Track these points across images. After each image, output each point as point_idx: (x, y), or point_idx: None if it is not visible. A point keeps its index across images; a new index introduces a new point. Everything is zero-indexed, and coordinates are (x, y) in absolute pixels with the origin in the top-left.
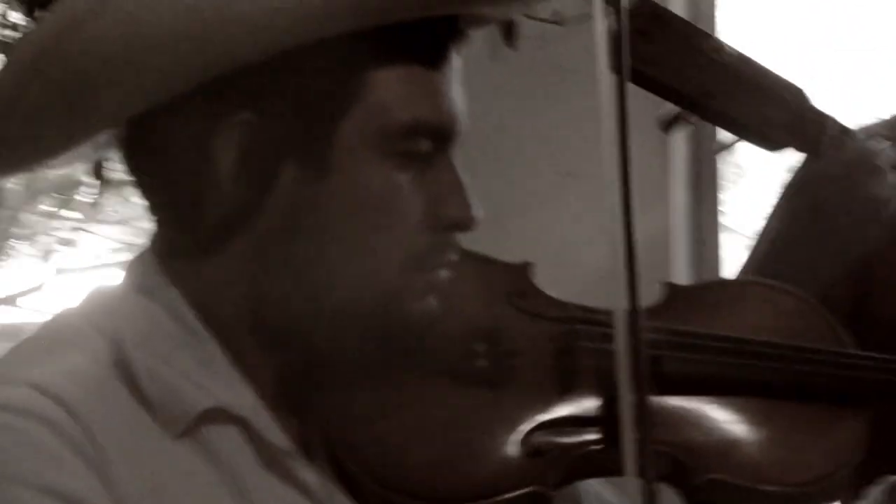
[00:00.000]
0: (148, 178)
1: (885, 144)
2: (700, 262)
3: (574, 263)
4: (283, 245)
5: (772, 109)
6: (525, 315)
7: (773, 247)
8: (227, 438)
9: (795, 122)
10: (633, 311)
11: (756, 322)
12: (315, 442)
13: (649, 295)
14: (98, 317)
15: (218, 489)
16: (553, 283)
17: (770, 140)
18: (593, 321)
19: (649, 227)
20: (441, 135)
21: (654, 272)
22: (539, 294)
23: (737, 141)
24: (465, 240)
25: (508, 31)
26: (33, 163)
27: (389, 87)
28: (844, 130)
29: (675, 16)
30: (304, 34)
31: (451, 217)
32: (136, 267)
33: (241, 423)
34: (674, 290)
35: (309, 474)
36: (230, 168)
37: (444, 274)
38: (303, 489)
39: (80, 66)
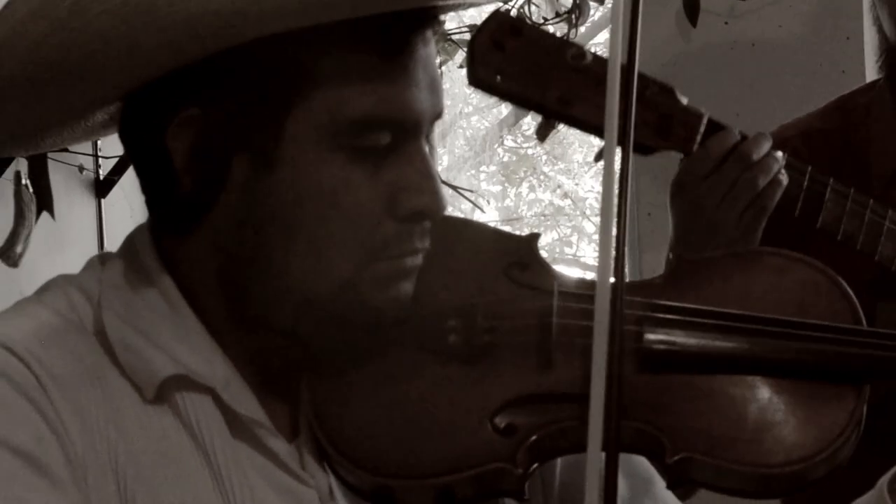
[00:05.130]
0: (131, 160)
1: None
2: None
3: None
4: (241, 234)
5: (638, 112)
6: (516, 288)
7: (674, 245)
8: (199, 406)
9: (663, 123)
10: (616, 287)
11: (763, 294)
12: (301, 421)
13: None
14: (88, 282)
15: (185, 451)
16: None
17: (638, 143)
18: (577, 296)
19: None
20: (401, 126)
21: None
22: (541, 267)
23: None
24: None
25: (692, 9)
26: (25, 139)
27: (339, 80)
28: (718, 127)
29: (531, 26)
30: (268, 28)
31: (413, 206)
32: (133, 239)
33: (210, 392)
34: (679, 263)
35: (278, 443)
36: (183, 161)
37: (412, 261)
38: (271, 457)
39: (40, 56)
